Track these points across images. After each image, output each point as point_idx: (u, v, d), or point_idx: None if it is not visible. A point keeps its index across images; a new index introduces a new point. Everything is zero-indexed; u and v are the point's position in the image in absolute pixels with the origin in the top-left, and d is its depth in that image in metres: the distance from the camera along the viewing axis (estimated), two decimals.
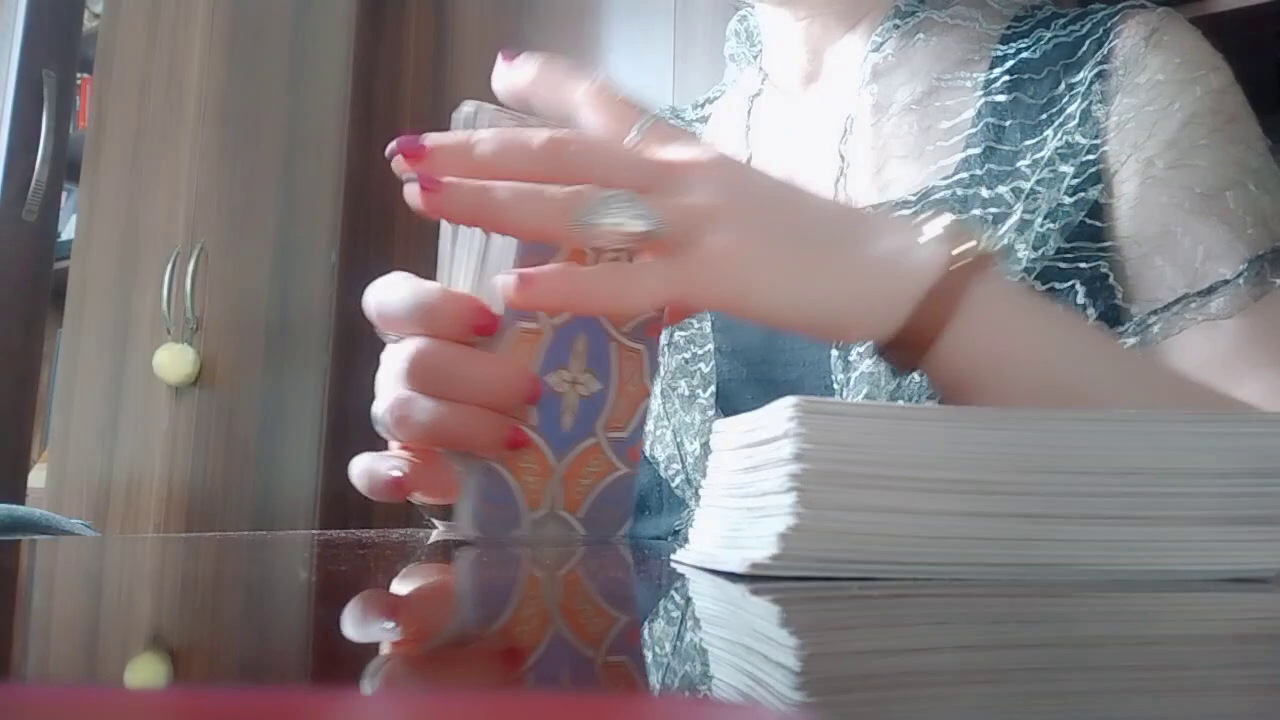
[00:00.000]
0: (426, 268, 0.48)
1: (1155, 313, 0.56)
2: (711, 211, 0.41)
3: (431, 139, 0.41)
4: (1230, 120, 0.59)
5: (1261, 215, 0.57)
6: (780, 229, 0.42)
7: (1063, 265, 0.57)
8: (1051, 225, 0.57)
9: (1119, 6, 0.62)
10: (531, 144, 0.41)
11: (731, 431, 0.33)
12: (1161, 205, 0.57)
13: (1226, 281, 0.55)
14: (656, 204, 0.40)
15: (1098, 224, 0.58)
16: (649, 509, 0.64)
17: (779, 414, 0.29)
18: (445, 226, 0.46)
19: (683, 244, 0.40)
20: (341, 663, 0.20)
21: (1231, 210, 0.56)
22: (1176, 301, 0.56)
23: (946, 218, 0.44)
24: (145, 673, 0.19)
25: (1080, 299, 0.57)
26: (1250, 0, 0.92)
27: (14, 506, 0.72)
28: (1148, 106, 0.58)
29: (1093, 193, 0.58)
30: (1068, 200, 0.58)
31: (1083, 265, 0.57)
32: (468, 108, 0.45)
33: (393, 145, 0.41)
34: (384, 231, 1.64)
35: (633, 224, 0.39)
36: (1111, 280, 0.57)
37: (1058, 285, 0.57)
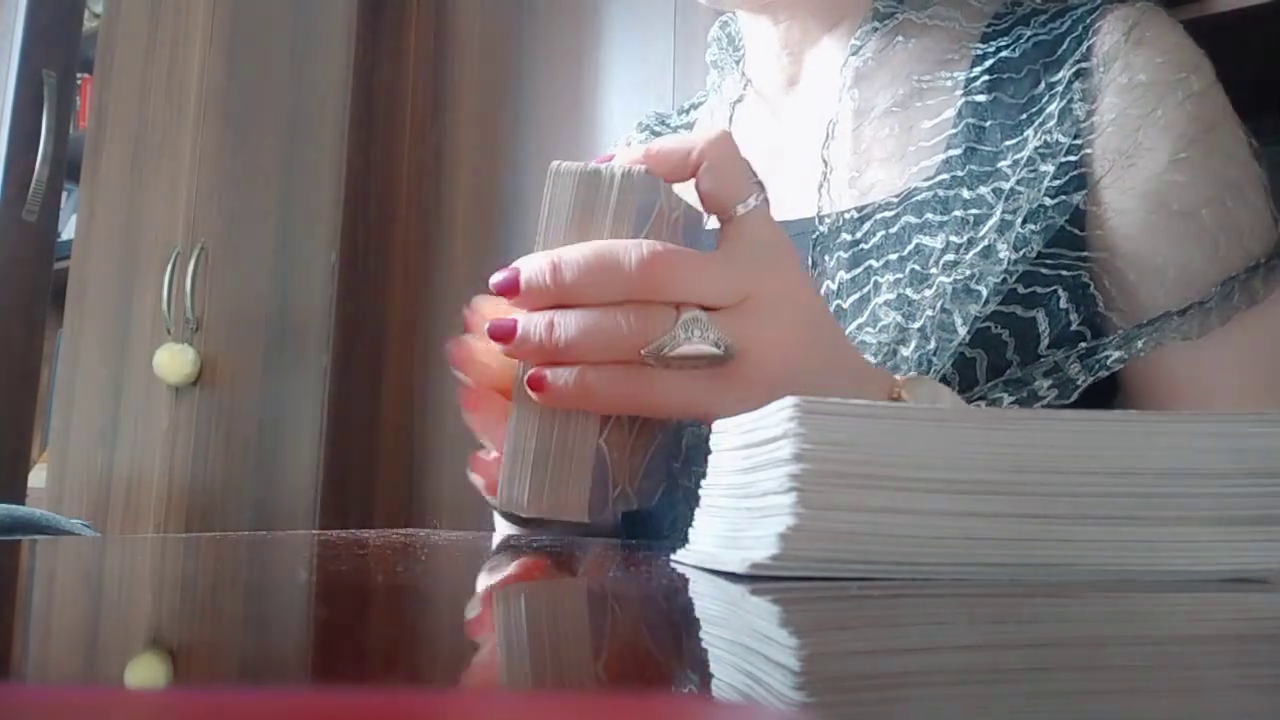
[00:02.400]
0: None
1: (1140, 327, 0.56)
2: (759, 344, 0.44)
3: (523, 274, 0.43)
4: (1210, 129, 0.58)
5: (1237, 232, 0.56)
6: (795, 377, 0.45)
7: (1045, 270, 0.57)
8: (1033, 228, 0.57)
9: (1098, 2, 0.62)
10: (622, 270, 0.42)
11: (731, 432, 0.33)
12: (1139, 222, 0.57)
13: (1200, 304, 0.55)
14: (727, 327, 0.43)
15: (1077, 232, 0.58)
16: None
17: (778, 414, 0.29)
18: (548, 193, 0.46)
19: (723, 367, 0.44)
20: (340, 662, 0.20)
21: (1207, 229, 0.56)
22: (1153, 320, 0.56)
23: (936, 387, 0.46)
24: (145, 673, 0.19)
25: (1063, 303, 0.57)
26: (1250, 0, 0.92)
27: (14, 506, 0.72)
28: (1130, 109, 0.58)
29: (1075, 198, 0.58)
30: (1049, 201, 0.58)
31: (1064, 272, 0.58)
32: (556, 165, 0.45)
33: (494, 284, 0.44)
34: (384, 231, 1.64)
35: (707, 351, 0.42)
36: (1092, 289, 0.58)
37: (1040, 290, 0.57)
